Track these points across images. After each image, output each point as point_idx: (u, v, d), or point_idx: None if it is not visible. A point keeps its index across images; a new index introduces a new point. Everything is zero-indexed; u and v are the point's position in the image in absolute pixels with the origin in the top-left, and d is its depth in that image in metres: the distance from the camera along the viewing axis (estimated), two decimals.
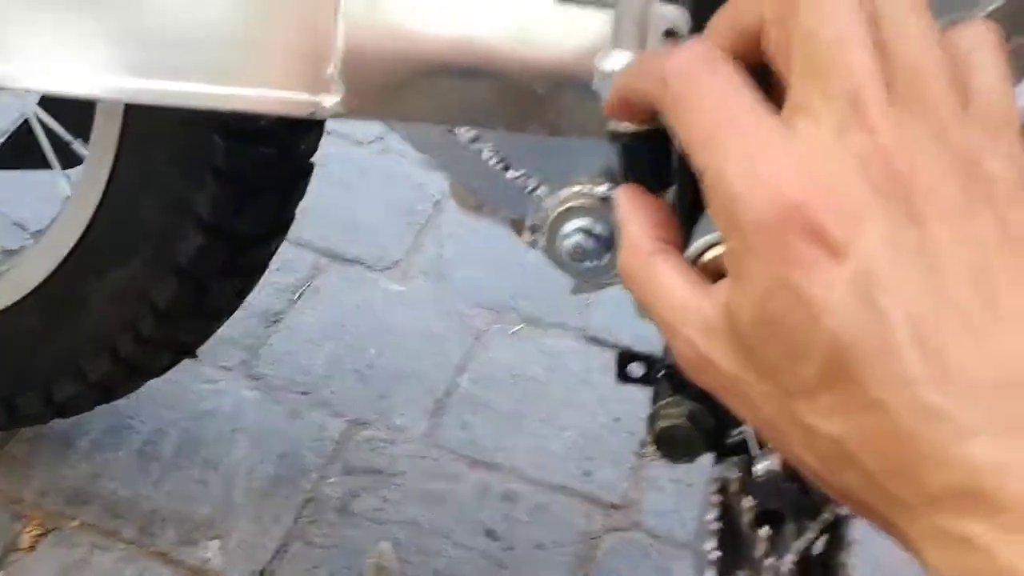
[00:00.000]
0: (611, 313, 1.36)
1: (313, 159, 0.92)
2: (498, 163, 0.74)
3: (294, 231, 1.41)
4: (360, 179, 1.52)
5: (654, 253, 0.33)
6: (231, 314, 0.97)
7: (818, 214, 0.26)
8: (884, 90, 0.27)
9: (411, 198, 1.51)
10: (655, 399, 0.63)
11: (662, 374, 0.65)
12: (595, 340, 1.34)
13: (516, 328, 1.36)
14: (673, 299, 0.31)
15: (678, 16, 0.51)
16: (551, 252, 0.76)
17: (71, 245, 0.91)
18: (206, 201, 0.84)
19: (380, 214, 1.48)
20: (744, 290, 0.28)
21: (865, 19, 0.28)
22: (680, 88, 0.30)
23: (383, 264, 1.42)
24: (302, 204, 0.94)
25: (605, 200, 0.74)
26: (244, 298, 0.96)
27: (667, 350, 0.67)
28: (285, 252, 1.41)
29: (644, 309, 0.33)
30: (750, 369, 0.29)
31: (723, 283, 0.30)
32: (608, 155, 0.72)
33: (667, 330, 0.31)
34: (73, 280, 0.92)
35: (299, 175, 0.92)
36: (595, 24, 0.56)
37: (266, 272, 0.98)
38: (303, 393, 1.24)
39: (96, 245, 0.90)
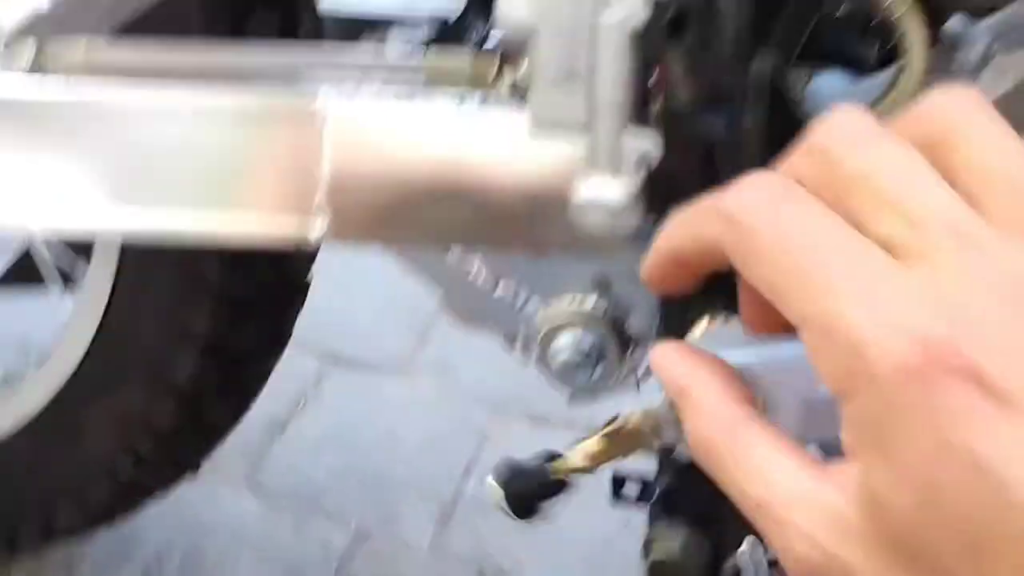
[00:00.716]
0: (620, 408, 1.34)
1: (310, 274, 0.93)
2: (487, 279, 0.75)
3: (297, 336, 1.42)
4: (362, 281, 1.53)
5: (741, 423, 0.27)
6: (231, 431, 0.97)
7: (972, 352, 0.21)
8: (972, 209, 0.24)
9: (414, 297, 1.51)
10: (650, 522, 0.62)
11: (656, 497, 0.63)
12: None
13: (523, 426, 1.35)
14: (779, 485, 0.25)
15: (650, 141, 0.52)
16: (544, 366, 0.76)
17: (71, 369, 0.91)
18: (203, 322, 0.84)
19: (383, 315, 1.49)
20: (891, 464, 0.22)
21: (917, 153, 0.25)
22: (755, 223, 0.25)
23: (387, 366, 1.42)
24: (305, 309, 0.95)
25: (595, 313, 0.74)
26: (243, 415, 0.96)
27: (662, 471, 0.65)
28: (288, 358, 1.42)
29: (733, 493, 0.26)
30: (908, 572, 0.22)
31: (848, 463, 0.24)
32: (596, 268, 0.73)
33: (772, 525, 0.25)
34: (73, 405, 0.92)
35: (296, 291, 0.92)
36: (571, 149, 0.57)
37: (270, 379, 0.98)
38: (307, 504, 1.23)
39: (96, 368, 0.91)
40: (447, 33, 0.81)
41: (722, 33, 0.47)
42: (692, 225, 0.28)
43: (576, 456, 0.64)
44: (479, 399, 1.36)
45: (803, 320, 0.24)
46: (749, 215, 0.25)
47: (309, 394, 1.37)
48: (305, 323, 1.38)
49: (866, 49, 0.72)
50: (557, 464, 0.68)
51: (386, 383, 1.39)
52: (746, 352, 0.50)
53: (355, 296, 1.50)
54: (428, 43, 0.74)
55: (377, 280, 1.56)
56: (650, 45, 0.49)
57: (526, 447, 1.31)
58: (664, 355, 0.30)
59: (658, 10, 0.48)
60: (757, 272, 0.25)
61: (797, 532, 0.24)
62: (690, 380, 0.29)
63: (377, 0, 0.91)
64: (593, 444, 0.62)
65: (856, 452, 0.23)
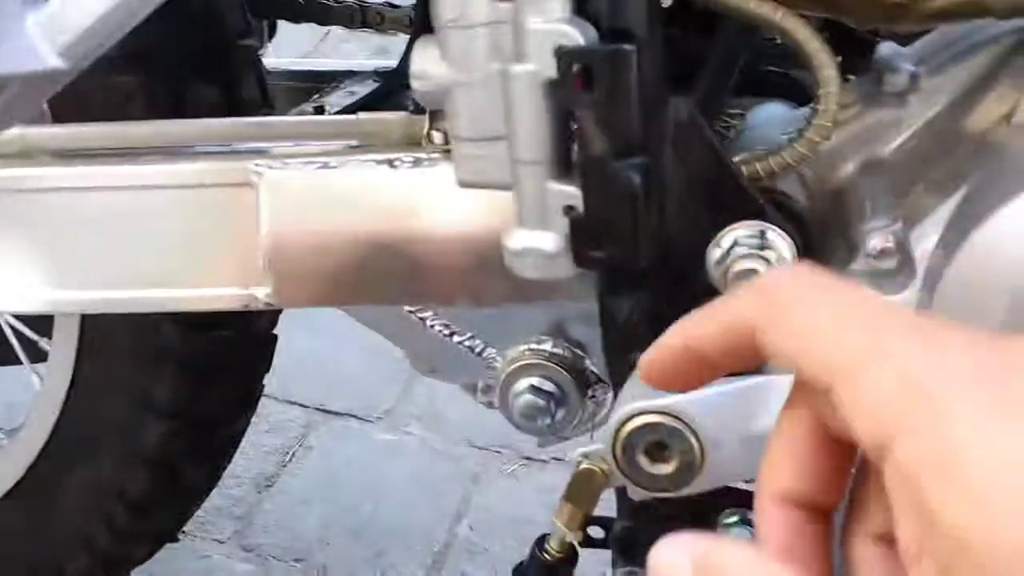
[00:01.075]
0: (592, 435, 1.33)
1: (276, 330, 0.93)
2: (442, 330, 0.74)
3: (283, 388, 1.42)
4: (346, 329, 1.52)
5: None
6: (207, 495, 0.96)
7: None
8: None
9: None
10: (612, 566, 0.61)
11: (618, 539, 0.63)
12: None
13: (513, 467, 1.34)
14: None
15: (574, 193, 0.52)
16: (506, 412, 0.75)
17: (42, 443, 0.91)
18: (166, 389, 0.84)
19: (368, 362, 1.48)
20: None
21: None
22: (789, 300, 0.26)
23: (375, 414, 1.41)
24: (290, 360, 0.94)
25: (552, 356, 0.74)
26: (218, 478, 0.96)
27: (620, 512, 0.65)
28: (275, 412, 1.42)
29: None
30: None
31: None
32: (549, 312, 0.72)
33: None
34: (46, 477, 0.92)
35: (261, 349, 0.92)
36: (501, 203, 0.57)
37: (257, 434, 0.97)
38: (297, 560, 1.22)
39: (65, 441, 0.90)
40: (388, 85, 0.81)
41: (629, 85, 0.47)
42: (710, 317, 0.28)
43: (558, 530, 0.64)
44: (467, 443, 1.36)
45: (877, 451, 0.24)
46: (782, 291, 0.27)
47: (296, 447, 1.36)
48: (290, 375, 1.38)
49: (804, 80, 0.72)
50: (550, 546, 0.68)
51: (374, 431, 1.38)
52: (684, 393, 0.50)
53: (340, 346, 1.50)
54: (370, 98, 0.75)
55: (360, 329, 1.56)
56: (563, 97, 0.49)
57: (516, 487, 1.30)
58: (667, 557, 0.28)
59: (566, 62, 0.48)
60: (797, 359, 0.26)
61: None
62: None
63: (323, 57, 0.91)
64: (564, 512, 0.62)
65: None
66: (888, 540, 0.26)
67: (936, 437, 0.23)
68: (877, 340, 0.25)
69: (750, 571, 0.26)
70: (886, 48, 0.62)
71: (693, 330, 0.29)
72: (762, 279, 0.28)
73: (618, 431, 0.48)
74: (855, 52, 0.64)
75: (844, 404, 0.25)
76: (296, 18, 0.85)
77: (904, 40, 0.62)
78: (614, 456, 0.49)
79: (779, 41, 0.72)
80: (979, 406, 0.23)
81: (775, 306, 0.27)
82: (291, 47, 1.00)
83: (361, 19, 0.86)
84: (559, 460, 1.33)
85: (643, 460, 0.48)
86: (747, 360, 0.28)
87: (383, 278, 0.63)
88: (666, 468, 0.49)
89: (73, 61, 0.45)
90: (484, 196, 0.57)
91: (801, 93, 0.74)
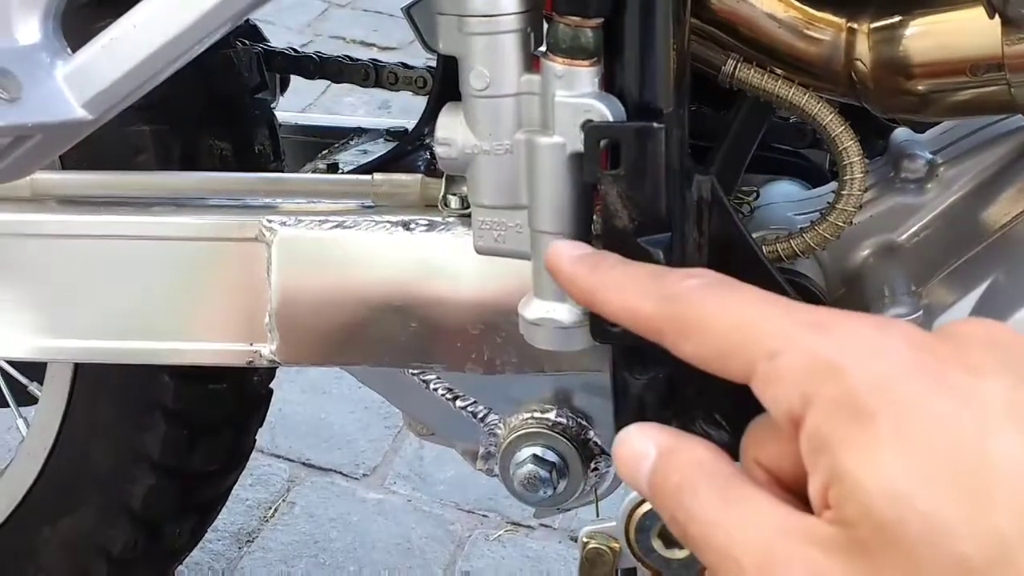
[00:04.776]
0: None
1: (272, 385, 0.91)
2: (445, 393, 0.73)
3: (268, 441, 1.39)
4: (334, 383, 1.51)
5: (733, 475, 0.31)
6: (189, 552, 0.94)
7: None
8: None
9: (387, 401, 1.49)
10: None
11: None
12: None
13: (499, 532, 1.31)
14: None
15: None
16: (506, 480, 0.74)
17: (24, 491, 0.89)
18: (156, 442, 0.82)
19: (357, 419, 1.46)
20: None
21: None
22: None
23: (360, 471, 1.39)
24: (277, 412, 0.93)
25: (556, 425, 0.73)
26: (202, 536, 0.93)
27: None
28: (259, 465, 1.39)
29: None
30: None
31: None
32: (554, 381, 0.71)
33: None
34: (25, 527, 0.89)
35: (254, 405, 0.90)
36: (518, 270, 0.56)
37: (240, 487, 0.95)
38: None
39: (48, 490, 0.88)
40: (403, 146, 0.81)
41: (656, 162, 0.46)
42: (627, 313, 0.33)
43: None
44: (454, 505, 1.33)
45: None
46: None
47: (280, 502, 1.33)
48: (276, 428, 1.36)
49: (816, 161, 0.72)
50: None
51: (359, 489, 1.36)
52: None
53: (327, 400, 1.48)
54: (384, 158, 0.74)
55: (350, 384, 1.54)
56: (588, 172, 0.49)
57: (502, 553, 1.28)
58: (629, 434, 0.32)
59: (594, 138, 0.48)
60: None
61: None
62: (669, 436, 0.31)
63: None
64: None
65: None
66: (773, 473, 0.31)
67: (845, 405, 0.27)
68: (785, 329, 0.29)
69: (715, 467, 0.30)
70: (902, 133, 0.63)
71: (598, 294, 0.34)
72: (671, 286, 0.32)
73: (632, 512, 0.47)
74: (871, 134, 0.64)
75: (764, 386, 0.29)
76: (311, 75, 0.85)
77: (918, 126, 0.63)
78: (627, 538, 0.47)
79: (791, 120, 0.73)
80: (881, 374, 0.27)
81: (686, 318, 0.31)
82: (291, 99, 1.01)
83: (375, 78, 0.86)
84: (546, 527, 1.31)
85: (657, 543, 0.47)
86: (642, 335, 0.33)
87: (392, 340, 0.62)
88: (679, 553, 0.47)
89: (99, 112, 0.45)
90: (500, 264, 0.56)
91: (810, 172, 0.75)
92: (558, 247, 0.36)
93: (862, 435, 0.26)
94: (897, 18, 0.51)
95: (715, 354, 0.30)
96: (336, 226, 0.61)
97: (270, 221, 0.62)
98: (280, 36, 1.28)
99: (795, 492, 0.29)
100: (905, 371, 0.27)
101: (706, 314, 0.31)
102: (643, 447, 0.31)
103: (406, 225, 0.60)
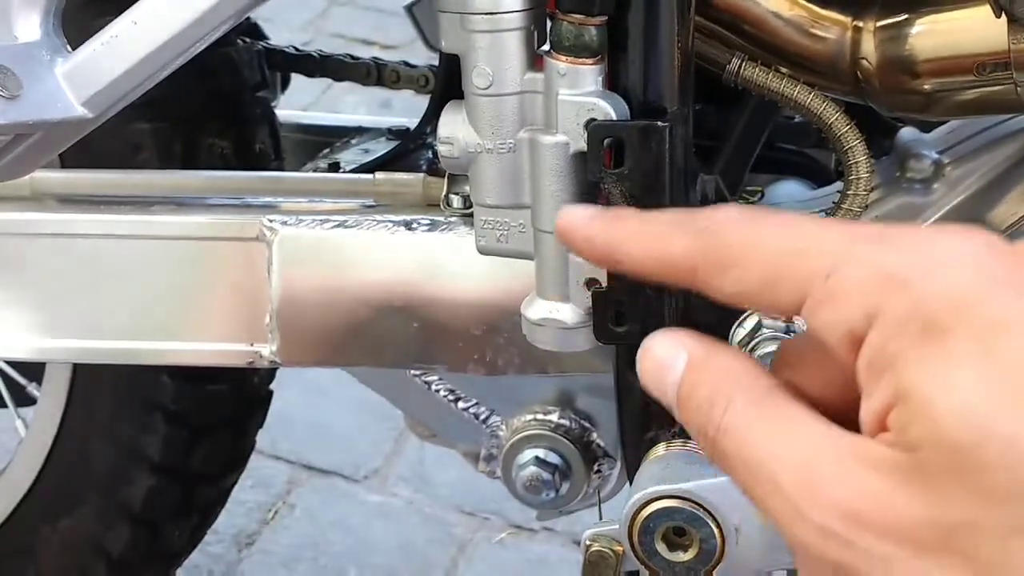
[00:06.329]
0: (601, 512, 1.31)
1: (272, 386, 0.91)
2: (447, 395, 0.73)
3: (269, 443, 1.38)
4: (336, 384, 1.51)
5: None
6: (188, 554, 0.93)
7: None
8: None
9: (388, 403, 1.49)
10: None
11: None
12: None
13: (501, 536, 1.31)
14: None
15: (595, 266, 0.51)
16: (508, 482, 0.73)
17: (22, 492, 0.88)
18: (156, 443, 0.82)
19: (358, 420, 1.46)
20: None
21: None
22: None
23: (361, 474, 1.38)
24: (277, 414, 0.92)
25: (559, 428, 0.72)
26: (201, 537, 0.93)
27: None
28: (260, 467, 1.38)
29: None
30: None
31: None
32: (557, 382, 0.71)
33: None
34: (23, 528, 0.89)
35: (254, 407, 0.90)
36: (520, 270, 0.56)
37: (240, 489, 0.94)
38: None
39: (47, 491, 0.87)
40: (405, 145, 0.81)
41: (660, 161, 0.46)
42: (658, 249, 0.29)
43: None
44: (455, 508, 1.33)
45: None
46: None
47: (280, 504, 1.33)
48: (276, 431, 1.35)
49: (821, 160, 0.72)
50: None
51: (360, 492, 1.35)
52: (706, 478, 0.48)
53: (328, 402, 1.47)
54: (385, 157, 0.74)
55: (351, 385, 1.53)
56: (592, 170, 0.48)
57: (503, 556, 1.27)
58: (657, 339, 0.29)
59: (597, 136, 0.47)
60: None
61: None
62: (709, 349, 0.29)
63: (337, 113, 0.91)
64: None
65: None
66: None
67: (915, 320, 0.24)
68: (844, 244, 0.26)
69: (752, 378, 0.27)
70: (908, 133, 0.62)
71: (620, 246, 0.30)
72: (700, 221, 0.29)
73: (635, 514, 0.47)
74: (877, 133, 0.64)
75: (818, 308, 0.26)
76: (312, 73, 0.85)
77: (924, 125, 0.63)
78: (630, 540, 0.47)
79: (796, 119, 0.73)
80: (956, 287, 0.24)
81: (726, 248, 0.27)
82: (293, 97, 1.00)
83: (377, 76, 0.86)
84: (549, 530, 1.30)
85: (661, 546, 0.47)
86: (670, 281, 0.29)
87: (394, 341, 0.62)
88: (684, 556, 0.47)
89: (99, 110, 0.45)
90: (503, 264, 0.56)
91: (816, 172, 0.74)
92: (569, 210, 0.32)
93: (935, 352, 0.24)
94: (903, 16, 0.50)
95: (760, 284, 0.27)
96: (337, 226, 0.61)
97: (271, 220, 0.61)
98: (281, 34, 1.27)
99: (837, 420, 0.26)
100: (983, 283, 0.24)
101: (749, 242, 0.27)
102: (670, 355, 0.28)
103: (408, 225, 0.60)
